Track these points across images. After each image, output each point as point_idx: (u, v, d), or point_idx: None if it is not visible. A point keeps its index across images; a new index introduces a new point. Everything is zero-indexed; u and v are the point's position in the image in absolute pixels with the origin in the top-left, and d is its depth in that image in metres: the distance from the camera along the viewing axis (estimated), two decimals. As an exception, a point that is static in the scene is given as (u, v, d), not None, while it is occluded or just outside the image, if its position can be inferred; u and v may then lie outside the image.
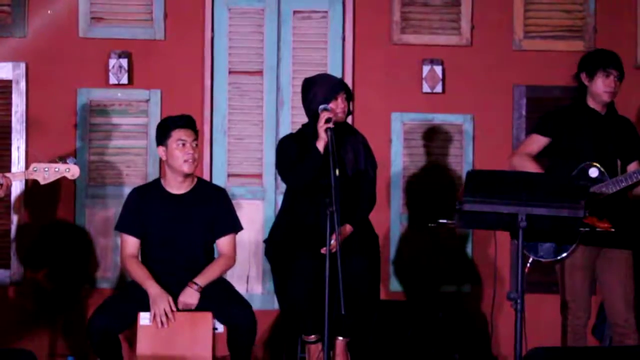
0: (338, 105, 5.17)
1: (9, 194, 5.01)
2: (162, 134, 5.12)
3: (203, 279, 5.04)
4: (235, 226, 5.22)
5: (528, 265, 5.16)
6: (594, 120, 5.29)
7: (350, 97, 5.29)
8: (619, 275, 5.26)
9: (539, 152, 5.36)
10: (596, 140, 5.26)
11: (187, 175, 5.12)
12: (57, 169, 5.00)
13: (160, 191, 5.18)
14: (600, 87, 5.25)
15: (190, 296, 4.99)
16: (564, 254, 5.18)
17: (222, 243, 5.19)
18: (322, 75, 5.40)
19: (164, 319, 4.91)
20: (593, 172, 5.19)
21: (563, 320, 5.31)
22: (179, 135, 5.07)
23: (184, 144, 5.07)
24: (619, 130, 5.33)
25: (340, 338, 5.21)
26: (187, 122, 5.11)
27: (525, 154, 5.33)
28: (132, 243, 5.16)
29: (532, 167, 5.26)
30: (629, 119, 5.47)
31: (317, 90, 5.19)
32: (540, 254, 5.21)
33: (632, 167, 5.30)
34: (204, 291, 5.01)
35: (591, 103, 5.31)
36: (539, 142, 5.34)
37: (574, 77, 5.36)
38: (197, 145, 5.11)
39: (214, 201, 5.18)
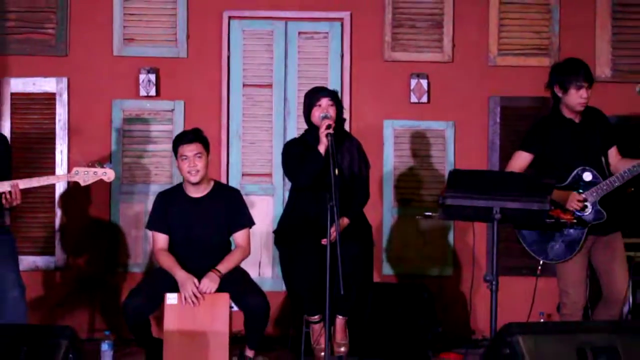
0: (322, 108, 5.18)
1: (18, 201, 4.95)
2: (173, 151, 5.15)
3: (223, 267, 5.03)
4: (248, 221, 5.21)
5: (539, 268, 5.05)
6: (571, 130, 5.05)
7: (338, 103, 5.26)
8: (616, 257, 5.09)
9: (528, 166, 5.11)
10: (578, 148, 5.04)
11: (195, 183, 5.11)
12: (95, 173, 5.01)
13: (181, 195, 5.18)
14: (574, 99, 4.98)
15: (212, 280, 4.97)
16: (573, 254, 4.99)
17: (238, 236, 5.18)
18: (314, 87, 5.40)
19: (193, 299, 4.91)
20: (587, 176, 4.99)
21: (561, 305, 5.14)
22: (182, 151, 5.08)
23: (185, 158, 5.06)
24: (594, 129, 5.09)
25: (340, 316, 5.20)
26: (190, 138, 5.10)
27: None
28: (161, 239, 5.15)
29: None
30: (598, 109, 5.16)
31: (307, 99, 5.25)
32: (550, 257, 5.02)
33: (612, 152, 5.13)
34: (226, 279, 5.00)
35: (566, 113, 5.06)
36: (524, 158, 5.09)
37: (547, 87, 5.10)
38: (201, 156, 5.08)
39: (229, 201, 5.18)
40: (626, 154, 5.26)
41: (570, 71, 5.00)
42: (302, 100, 5.42)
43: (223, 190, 5.26)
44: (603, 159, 5.12)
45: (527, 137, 5.16)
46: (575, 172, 5.02)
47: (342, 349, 5.18)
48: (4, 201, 4.91)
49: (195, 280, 4.94)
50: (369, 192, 5.35)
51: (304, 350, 5.13)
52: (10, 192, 4.87)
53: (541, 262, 5.07)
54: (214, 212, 5.12)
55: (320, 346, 5.07)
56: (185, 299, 4.91)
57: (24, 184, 4.94)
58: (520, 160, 5.11)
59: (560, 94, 5.03)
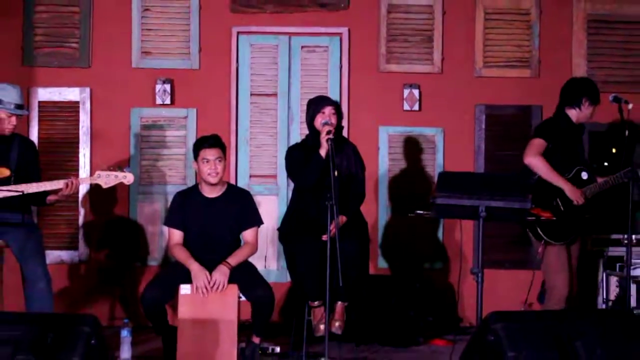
0: (326, 115, 5.19)
1: (77, 192, 5.05)
2: (194, 152, 5.11)
3: (233, 260, 5.00)
4: (257, 221, 5.20)
5: (539, 251, 5.14)
6: (574, 133, 5.25)
7: (339, 112, 5.29)
8: (574, 257, 5.25)
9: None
10: (576, 149, 5.25)
11: (212, 184, 5.12)
12: (116, 176, 5.03)
13: (197, 195, 5.16)
14: (591, 114, 5.24)
15: (223, 273, 4.94)
16: (569, 239, 5.14)
17: (247, 234, 5.16)
18: (318, 96, 5.42)
19: (205, 289, 4.91)
20: (584, 175, 5.19)
21: (547, 296, 5.23)
22: (204, 154, 5.05)
23: (207, 161, 5.06)
24: (581, 138, 5.36)
25: (339, 303, 5.21)
26: (212, 143, 5.06)
27: (541, 156, 5.13)
28: (177, 234, 5.13)
29: (550, 169, 5.08)
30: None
31: (311, 106, 5.26)
32: (551, 238, 5.11)
33: None
34: (234, 272, 5.00)
35: (573, 118, 5.24)
36: (540, 143, 5.16)
37: (569, 94, 5.23)
38: (221, 160, 5.03)
39: (241, 202, 5.16)
40: (600, 158, 5.37)
41: (597, 92, 5.27)
42: (304, 108, 5.43)
43: (236, 192, 5.25)
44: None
45: (541, 127, 5.30)
46: (575, 170, 5.17)
47: (337, 323, 5.17)
48: (64, 187, 4.98)
49: (207, 273, 4.94)
50: (365, 192, 5.36)
51: (306, 336, 5.14)
52: (72, 181, 4.99)
53: (543, 243, 5.11)
54: (227, 212, 5.11)
55: (321, 321, 5.08)
56: (197, 289, 4.92)
57: (52, 185, 5.01)
58: (537, 145, 5.16)
59: (585, 105, 5.21)
